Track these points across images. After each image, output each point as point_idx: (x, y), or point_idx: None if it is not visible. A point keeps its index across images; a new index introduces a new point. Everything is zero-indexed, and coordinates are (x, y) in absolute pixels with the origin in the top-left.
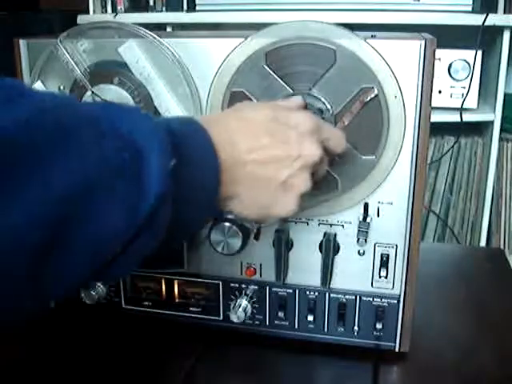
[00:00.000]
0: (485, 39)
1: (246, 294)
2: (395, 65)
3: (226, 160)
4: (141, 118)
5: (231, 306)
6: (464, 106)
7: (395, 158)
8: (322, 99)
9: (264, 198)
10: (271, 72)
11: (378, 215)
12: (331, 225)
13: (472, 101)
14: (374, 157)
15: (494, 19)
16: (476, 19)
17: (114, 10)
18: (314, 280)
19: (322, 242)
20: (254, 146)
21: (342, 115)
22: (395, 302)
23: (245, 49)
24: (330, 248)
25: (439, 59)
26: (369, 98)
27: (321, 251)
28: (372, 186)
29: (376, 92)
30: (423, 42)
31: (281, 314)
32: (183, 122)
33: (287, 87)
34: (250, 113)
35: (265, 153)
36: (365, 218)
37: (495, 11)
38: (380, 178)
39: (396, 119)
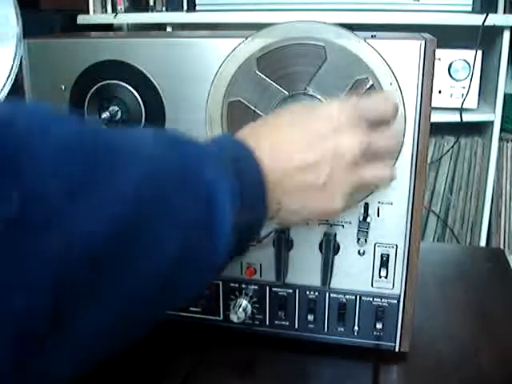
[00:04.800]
0: (485, 39)
1: (246, 294)
2: (395, 65)
3: (275, 177)
4: (215, 164)
5: (231, 306)
6: (464, 106)
7: (400, 143)
8: (319, 97)
9: (310, 202)
10: (264, 77)
11: (378, 215)
12: (331, 225)
13: (472, 101)
14: None
15: (494, 19)
16: (476, 19)
17: (114, 9)
18: (314, 280)
19: (321, 241)
20: (296, 152)
21: None
22: (395, 301)
23: (235, 58)
24: (330, 248)
25: (439, 59)
26: (364, 89)
27: (321, 251)
28: None
29: (371, 82)
30: (423, 42)
31: (281, 314)
32: (235, 147)
33: (282, 90)
34: (287, 119)
35: (305, 158)
36: (365, 218)
37: (495, 11)
38: None
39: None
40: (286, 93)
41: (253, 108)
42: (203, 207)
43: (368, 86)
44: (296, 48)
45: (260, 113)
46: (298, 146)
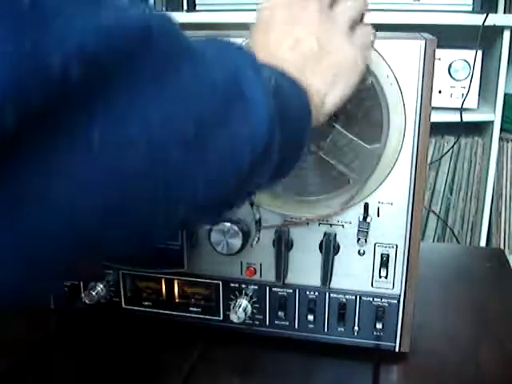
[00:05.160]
0: (485, 39)
1: (246, 294)
2: (395, 65)
3: (291, 70)
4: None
5: (231, 306)
6: (464, 106)
7: (400, 143)
8: None
9: (332, 67)
10: None
11: (378, 215)
12: (331, 225)
13: (472, 101)
14: (379, 144)
15: (494, 19)
16: (476, 19)
17: None
18: (314, 280)
19: (321, 241)
20: (280, 42)
21: (340, 108)
22: (395, 301)
23: None
24: (330, 248)
25: (439, 59)
26: (364, 90)
27: (321, 251)
28: (381, 176)
29: (370, 81)
30: (423, 42)
31: (281, 314)
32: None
33: None
34: (259, 31)
35: (288, 38)
36: (365, 218)
37: (495, 11)
38: (388, 167)
39: (394, 100)
40: None
41: None
42: (234, 69)
43: (367, 86)
44: None
45: None
46: (278, 37)
